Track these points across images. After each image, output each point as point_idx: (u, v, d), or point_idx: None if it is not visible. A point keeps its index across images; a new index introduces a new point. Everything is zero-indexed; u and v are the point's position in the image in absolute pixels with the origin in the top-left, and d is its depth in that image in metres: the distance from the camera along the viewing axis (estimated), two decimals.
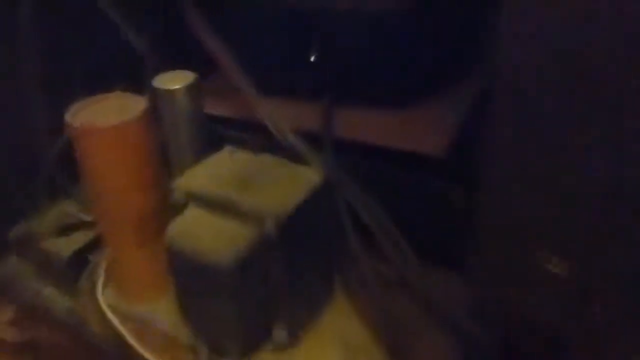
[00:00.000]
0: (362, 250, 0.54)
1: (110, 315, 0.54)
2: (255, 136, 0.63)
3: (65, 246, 0.61)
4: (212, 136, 0.63)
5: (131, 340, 0.52)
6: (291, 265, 0.48)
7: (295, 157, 0.55)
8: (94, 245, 0.61)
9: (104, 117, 0.51)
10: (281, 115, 0.61)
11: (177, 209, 0.51)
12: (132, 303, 0.56)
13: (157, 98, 0.58)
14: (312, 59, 0.66)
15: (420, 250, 0.54)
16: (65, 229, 0.63)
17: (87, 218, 0.63)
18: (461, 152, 0.60)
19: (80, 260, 0.61)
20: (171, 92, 0.58)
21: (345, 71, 0.66)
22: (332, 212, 0.53)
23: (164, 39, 0.71)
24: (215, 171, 0.51)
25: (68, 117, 0.50)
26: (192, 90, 0.58)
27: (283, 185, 0.48)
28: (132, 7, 0.70)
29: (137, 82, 0.71)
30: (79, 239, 0.62)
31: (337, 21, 0.64)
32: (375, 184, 0.58)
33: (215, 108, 0.67)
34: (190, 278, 0.47)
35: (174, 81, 0.58)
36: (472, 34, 0.71)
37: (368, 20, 0.63)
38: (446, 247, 0.56)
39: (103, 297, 0.57)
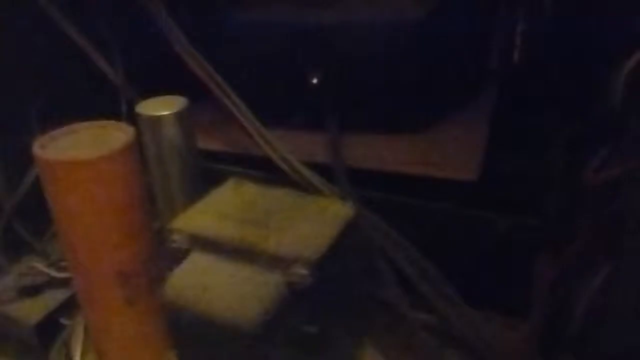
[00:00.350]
0: (398, 295, 0.46)
1: None
2: (258, 171, 0.55)
3: (32, 310, 0.50)
4: (206, 172, 0.54)
5: None
6: (322, 320, 0.39)
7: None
8: (68, 307, 0.51)
9: (82, 148, 0.42)
10: (287, 146, 0.53)
11: (175, 257, 0.41)
12: None
13: (142, 127, 0.49)
14: (314, 81, 0.59)
15: (464, 290, 0.47)
16: (32, 290, 0.52)
17: (58, 275, 0.53)
18: (491, 173, 0.53)
19: (52, 326, 0.50)
20: (158, 120, 0.49)
21: (351, 93, 0.59)
22: (362, 253, 0.45)
23: (143, 65, 0.63)
24: (222, 208, 0.42)
25: (37, 148, 0.41)
26: (182, 117, 0.50)
27: (309, 222, 0.40)
28: (103, 29, 0.62)
29: (114, 112, 0.62)
30: (48, 301, 0.51)
31: (339, 36, 0.57)
32: (400, 218, 0.50)
33: (208, 141, 0.58)
34: (199, 345, 0.38)
35: (161, 107, 0.50)
36: (484, 43, 0.65)
37: (376, 33, 0.56)
38: (494, 284, 0.49)
39: None
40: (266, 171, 0.54)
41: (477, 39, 0.63)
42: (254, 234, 0.39)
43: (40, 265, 0.54)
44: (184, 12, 0.60)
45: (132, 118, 0.51)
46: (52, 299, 0.51)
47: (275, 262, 0.37)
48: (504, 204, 0.50)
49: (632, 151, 0.34)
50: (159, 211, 0.51)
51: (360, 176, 0.53)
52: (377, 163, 0.55)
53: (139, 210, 0.44)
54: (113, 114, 0.55)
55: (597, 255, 0.39)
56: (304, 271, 0.35)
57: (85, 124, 0.45)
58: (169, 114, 0.49)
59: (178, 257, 0.41)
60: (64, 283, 0.52)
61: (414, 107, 0.59)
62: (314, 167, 0.53)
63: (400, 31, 0.56)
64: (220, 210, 0.42)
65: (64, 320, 0.50)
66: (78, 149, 0.42)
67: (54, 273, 0.53)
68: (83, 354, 0.48)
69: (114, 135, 0.43)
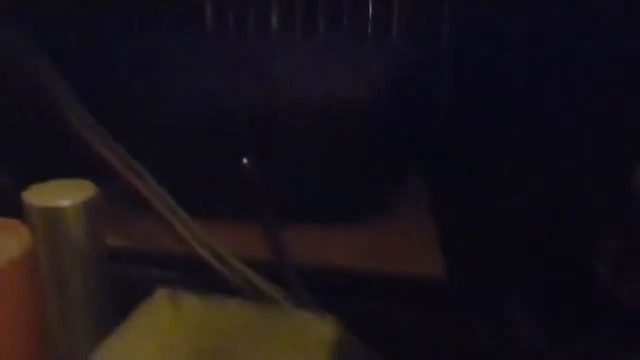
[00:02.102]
0: None
1: None
2: (184, 275, 0.44)
3: None
4: (115, 278, 0.41)
5: None
6: None
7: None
8: None
9: None
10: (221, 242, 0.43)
11: None
12: None
13: (30, 223, 0.37)
14: (244, 162, 0.50)
15: None
16: None
17: None
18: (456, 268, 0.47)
19: None
20: (57, 213, 0.37)
21: (286, 178, 0.51)
22: None
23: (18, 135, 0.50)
24: (159, 333, 0.31)
25: None
26: (92, 209, 0.38)
27: (285, 349, 0.30)
28: None
29: None
30: None
31: (277, 117, 0.50)
32: (362, 328, 0.42)
33: (116, 237, 0.46)
34: None
35: (60, 195, 0.37)
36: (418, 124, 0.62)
37: (317, 116, 0.50)
38: None
39: None
40: (195, 275, 0.43)
41: (412, 120, 0.59)
42: None
43: None
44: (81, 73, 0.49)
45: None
46: None
47: None
48: (475, 307, 0.44)
49: None
50: (55, 341, 0.37)
51: (304, 276, 0.45)
52: (325, 260, 0.47)
53: (29, 342, 0.31)
54: None
55: None
56: None
57: None
58: (74, 205, 0.37)
59: None
60: None
61: (353, 194, 0.53)
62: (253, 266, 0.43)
63: (339, 114, 0.50)
64: (157, 336, 0.31)
65: None
66: None
67: None
68: None
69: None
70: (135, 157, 0.46)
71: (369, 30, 0.67)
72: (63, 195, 0.37)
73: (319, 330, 0.32)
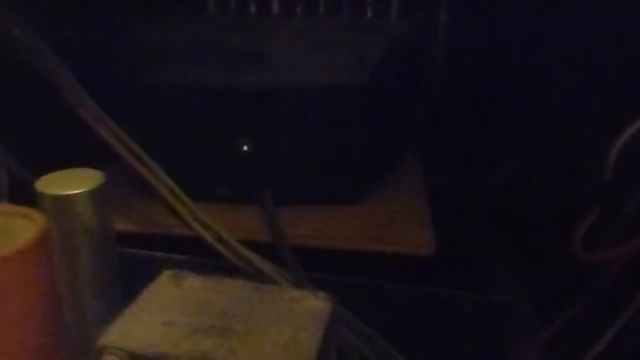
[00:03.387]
0: None
1: None
2: (186, 256, 0.46)
3: None
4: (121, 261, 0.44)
5: None
6: None
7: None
8: None
9: None
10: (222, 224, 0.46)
11: None
12: None
13: (44, 209, 0.39)
14: (245, 148, 0.52)
15: None
16: None
17: None
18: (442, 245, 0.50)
19: None
20: (67, 200, 0.39)
21: (287, 162, 0.53)
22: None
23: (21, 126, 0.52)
24: (165, 312, 0.34)
25: None
26: (98, 196, 0.40)
27: (282, 324, 0.33)
28: None
29: None
30: None
31: (275, 101, 0.52)
32: (353, 302, 0.45)
33: (120, 220, 0.48)
34: None
35: (70, 183, 0.40)
36: (412, 107, 0.64)
37: (315, 99, 0.52)
38: None
39: None
40: (198, 257, 0.46)
41: (407, 103, 0.61)
42: (217, 345, 0.31)
43: None
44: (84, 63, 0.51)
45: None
46: None
47: None
48: (465, 279, 0.47)
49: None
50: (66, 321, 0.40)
51: (301, 255, 0.47)
52: (321, 240, 0.50)
53: (43, 326, 0.34)
54: None
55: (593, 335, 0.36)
56: None
57: None
58: (82, 193, 0.39)
59: None
60: None
61: (349, 175, 0.55)
62: (253, 248, 0.46)
63: (336, 97, 0.52)
64: (163, 315, 0.33)
65: None
66: None
67: None
68: None
69: (16, 225, 0.33)
70: (137, 142, 0.48)
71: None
72: (73, 184, 0.39)
73: (314, 306, 0.34)
